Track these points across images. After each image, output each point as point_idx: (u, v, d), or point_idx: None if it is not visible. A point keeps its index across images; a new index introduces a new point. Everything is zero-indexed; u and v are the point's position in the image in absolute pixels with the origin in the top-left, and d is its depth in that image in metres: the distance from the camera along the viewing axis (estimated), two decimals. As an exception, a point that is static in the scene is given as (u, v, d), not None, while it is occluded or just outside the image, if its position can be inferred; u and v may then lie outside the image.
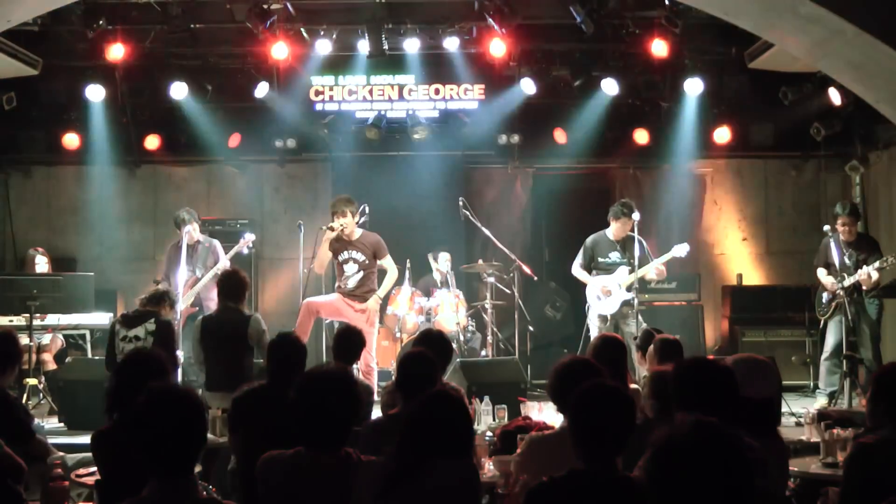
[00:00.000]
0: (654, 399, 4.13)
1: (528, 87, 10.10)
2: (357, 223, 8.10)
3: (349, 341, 5.54)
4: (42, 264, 9.00)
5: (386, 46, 9.53)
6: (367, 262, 7.98)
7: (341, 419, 3.33)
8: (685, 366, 3.69)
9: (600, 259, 8.45)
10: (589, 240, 8.56)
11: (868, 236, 8.76)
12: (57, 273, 8.87)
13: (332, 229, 7.92)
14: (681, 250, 8.33)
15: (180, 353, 7.29)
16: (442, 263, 9.65)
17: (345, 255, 8.03)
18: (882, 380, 3.68)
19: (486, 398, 5.91)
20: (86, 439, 4.16)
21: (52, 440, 5.73)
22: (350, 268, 7.99)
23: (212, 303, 8.31)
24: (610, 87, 10.06)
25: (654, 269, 8.29)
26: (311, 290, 8.53)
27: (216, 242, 8.68)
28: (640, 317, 8.13)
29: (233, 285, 6.59)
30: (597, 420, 2.97)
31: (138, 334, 6.40)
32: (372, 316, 7.99)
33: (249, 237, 8.74)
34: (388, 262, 8.07)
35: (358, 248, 8.00)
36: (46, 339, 8.51)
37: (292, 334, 5.14)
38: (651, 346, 5.38)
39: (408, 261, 9.13)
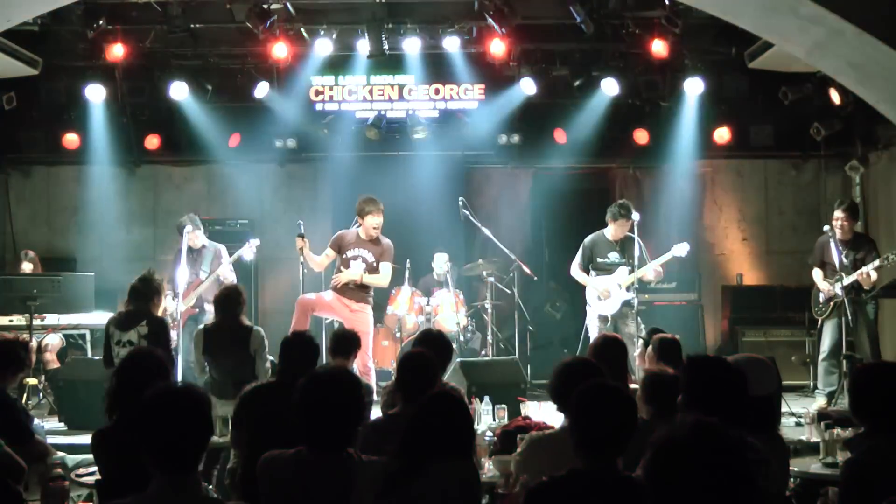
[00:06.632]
0: (649, 404, 4.11)
1: (528, 87, 10.10)
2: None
3: (345, 337, 5.67)
4: (27, 270, 8.99)
5: (386, 46, 9.52)
6: (374, 264, 7.97)
7: (345, 420, 3.33)
8: (700, 364, 3.68)
9: (599, 259, 8.44)
10: (587, 240, 8.54)
11: (866, 236, 8.76)
12: (57, 273, 8.87)
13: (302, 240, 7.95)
14: (681, 250, 8.32)
15: (175, 339, 7.27)
16: (440, 265, 9.65)
17: (354, 251, 7.99)
18: (858, 380, 3.62)
19: (486, 398, 5.91)
20: (86, 439, 4.16)
21: (51, 440, 5.74)
22: (356, 266, 7.96)
23: (212, 306, 8.31)
24: (610, 87, 10.06)
25: (652, 270, 8.28)
26: (309, 290, 8.49)
27: (222, 247, 8.69)
28: (639, 317, 8.13)
29: (231, 301, 6.56)
30: (598, 420, 2.97)
31: (132, 339, 6.40)
32: (367, 317, 7.97)
33: (254, 242, 8.74)
34: (384, 267, 8.00)
35: (370, 249, 7.98)
36: (48, 338, 8.52)
37: (307, 334, 5.16)
38: (650, 346, 5.37)
39: (408, 261, 9.14)
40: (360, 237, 8.01)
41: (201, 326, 7.04)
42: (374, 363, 8.05)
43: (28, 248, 9.60)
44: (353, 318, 7.81)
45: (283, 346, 4.86)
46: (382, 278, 8.03)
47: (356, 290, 7.95)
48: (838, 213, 8.07)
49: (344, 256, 8.04)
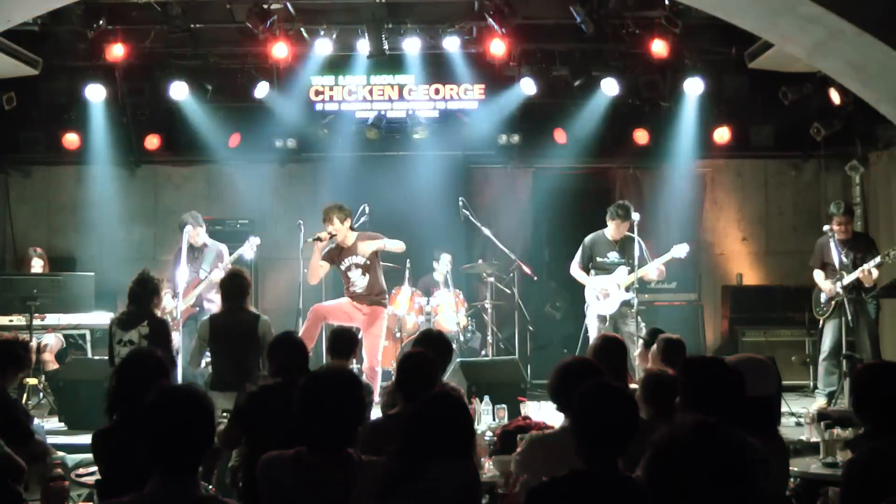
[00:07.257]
0: (649, 404, 4.11)
1: (528, 87, 10.10)
2: (351, 228, 8.08)
3: (342, 337, 5.69)
4: (37, 267, 9.02)
5: (386, 46, 9.52)
6: (367, 262, 7.98)
7: (345, 420, 3.33)
8: (697, 365, 3.68)
9: (599, 259, 8.44)
10: (587, 239, 8.55)
11: (865, 235, 8.77)
12: (57, 273, 8.88)
13: (319, 239, 7.90)
14: (680, 250, 8.32)
15: (176, 339, 7.27)
16: (443, 265, 9.65)
17: (346, 262, 8.01)
18: (861, 379, 3.61)
19: (486, 398, 5.92)
20: (86, 439, 4.16)
21: (51, 440, 5.75)
22: (354, 274, 7.96)
23: (212, 304, 8.32)
24: (610, 87, 10.06)
25: (654, 270, 8.29)
26: (306, 292, 8.50)
27: (223, 247, 8.70)
28: (639, 317, 8.13)
29: (237, 286, 6.59)
30: (600, 420, 2.97)
31: (132, 338, 6.42)
32: (378, 320, 7.97)
33: (254, 240, 8.73)
34: (385, 244, 7.97)
35: (355, 252, 7.98)
36: (48, 338, 8.52)
37: (292, 334, 5.18)
38: (654, 346, 5.37)
39: (408, 261, 9.13)
40: (342, 247, 8.02)
41: (206, 317, 7.03)
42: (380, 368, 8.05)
43: (28, 248, 9.59)
44: (365, 321, 7.84)
45: (271, 348, 4.90)
46: (393, 246, 8.02)
47: (368, 295, 7.96)
48: (838, 218, 8.07)
49: (341, 270, 8.05)
